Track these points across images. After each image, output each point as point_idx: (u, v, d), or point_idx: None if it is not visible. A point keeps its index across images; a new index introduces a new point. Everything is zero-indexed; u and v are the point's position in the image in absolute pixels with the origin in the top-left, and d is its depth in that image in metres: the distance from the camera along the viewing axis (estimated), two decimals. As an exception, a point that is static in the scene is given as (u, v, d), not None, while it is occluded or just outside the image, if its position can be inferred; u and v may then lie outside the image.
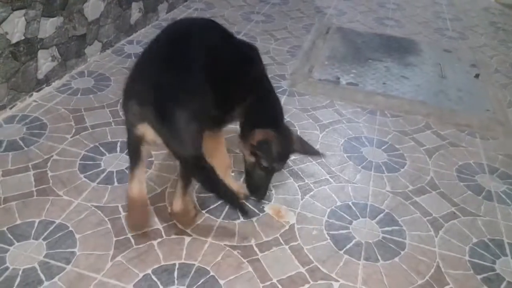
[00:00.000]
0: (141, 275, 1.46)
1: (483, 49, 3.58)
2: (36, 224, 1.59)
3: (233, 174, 1.90)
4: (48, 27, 2.24)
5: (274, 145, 1.63)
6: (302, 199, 1.85)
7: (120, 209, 1.69)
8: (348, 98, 2.65)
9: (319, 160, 2.06)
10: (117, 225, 1.63)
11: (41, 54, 2.25)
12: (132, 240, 1.57)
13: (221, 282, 1.47)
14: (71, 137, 2.03)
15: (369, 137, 2.32)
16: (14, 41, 2.06)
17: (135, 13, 3.01)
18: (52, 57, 2.34)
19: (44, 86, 2.32)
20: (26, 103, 2.21)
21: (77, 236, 1.57)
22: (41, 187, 1.75)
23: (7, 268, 1.42)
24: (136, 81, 1.46)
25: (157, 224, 1.65)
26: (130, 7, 2.93)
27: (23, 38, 2.10)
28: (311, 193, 1.89)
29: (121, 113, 2.01)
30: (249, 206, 1.78)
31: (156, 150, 1.96)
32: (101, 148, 1.99)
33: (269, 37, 3.30)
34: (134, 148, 1.53)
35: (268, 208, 1.78)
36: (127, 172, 1.73)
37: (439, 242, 1.72)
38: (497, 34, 3.97)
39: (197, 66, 1.46)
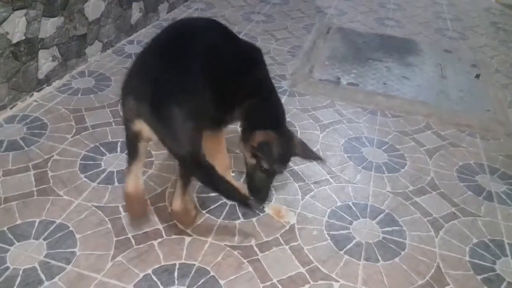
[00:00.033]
0: (141, 275, 1.46)
1: (484, 49, 3.58)
2: (36, 224, 1.59)
3: (233, 174, 1.90)
4: (48, 27, 2.25)
5: (274, 147, 1.62)
6: (302, 199, 1.85)
7: (121, 209, 1.69)
8: (348, 98, 2.65)
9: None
10: (117, 225, 1.63)
11: (42, 54, 2.25)
12: (133, 240, 1.58)
13: (221, 282, 1.47)
14: (71, 137, 2.03)
15: (370, 137, 2.32)
16: (14, 41, 2.06)
17: (136, 13, 3.01)
18: (53, 57, 2.34)
19: (44, 86, 2.32)
20: (26, 103, 2.21)
21: (77, 236, 1.57)
22: (41, 187, 1.75)
23: (7, 268, 1.43)
24: (134, 77, 1.46)
25: (158, 224, 1.65)
26: (130, 7, 2.93)
27: (23, 38, 2.11)
28: (312, 193, 1.89)
29: (120, 111, 2.01)
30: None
31: (156, 150, 1.97)
32: (101, 148, 1.99)
33: (269, 37, 3.30)
34: (131, 144, 1.53)
35: (268, 208, 1.78)
36: (127, 172, 1.73)
37: (439, 243, 1.72)
38: (498, 34, 3.97)
39: (197, 65, 1.46)
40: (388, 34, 3.65)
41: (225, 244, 1.61)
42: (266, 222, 1.72)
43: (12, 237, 1.53)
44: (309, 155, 1.80)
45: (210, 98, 1.47)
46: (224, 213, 1.73)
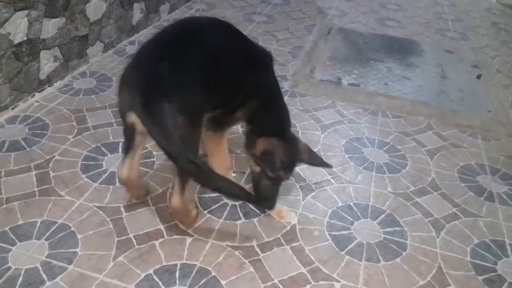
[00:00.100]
0: (142, 275, 1.46)
1: (485, 50, 3.58)
2: (38, 224, 1.59)
3: (234, 174, 1.90)
4: (50, 27, 2.25)
5: (277, 155, 1.59)
6: (303, 200, 1.86)
7: (122, 209, 1.70)
8: (349, 99, 2.65)
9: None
10: (119, 225, 1.63)
11: (44, 54, 2.25)
12: (134, 241, 1.58)
13: (223, 282, 1.47)
14: (73, 138, 2.04)
15: (371, 137, 2.32)
16: (16, 41, 2.06)
17: (137, 13, 3.01)
18: (54, 57, 2.34)
19: (46, 86, 2.32)
20: (28, 104, 2.21)
21: (79, 236, 1.57)
22: (43, 187, 1.75)
23: (9, 268, 1.43)
24: (131, 70, 1.47)
25: (159, 225, 1.65)
26: (132, 7, 2.93)
27: (25, 38, 2.11)
28: (313, 193, 1.90)
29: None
30: (251, 206, 1.78)
31: (157, 150, 1.97)
32: (103, 149, 1.99)
33: (270, 38, 3.30)
34: (127, 135, 1.54)
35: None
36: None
37: (440, 243, 1.72)
38: (499, 35, 3.97)
39: (194, 62, 1.45)
40: (389, 35, 3.65)
41: (226, 244, 1.61)
42: (267, 223, 1.73)
43: (14, 237, 1.53)
44: (315, 161, 1.78)
45: (206, 96, 1.46)
46: (225, 213, 1.74)
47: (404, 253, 1.66)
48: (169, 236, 1.61)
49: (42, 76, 2.29)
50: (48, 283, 1.40)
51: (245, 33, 1.73)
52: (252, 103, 1.63)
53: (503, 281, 1.61)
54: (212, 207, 1.75)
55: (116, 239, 1.58)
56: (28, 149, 1.93)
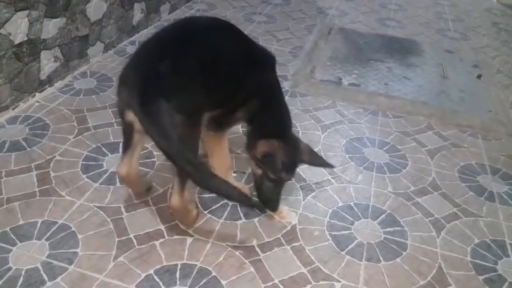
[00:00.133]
0: (143, 275, 1.46)
1: (485, 50, 3.58)
2: (38, 225, 1.59)
3: (235, 175, 1.90)
4: (51, 28, 2.25)
5: (278, 157, 1.59)
6: (304, 200, 1.86)
7: (123, 209, 1.70)
8: (350, 99, 2.66)
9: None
10: (119, 225, 1.63)
11: (44, 54, 2.26)
12: (134, 241, 1.58)
13: (223, 282, 1.47)
14: (73, 138, 2.04)
15: (371, 137, 2.32)
16: (17, 42, 2.07)
17: (137, 14, 3.02)
18: (55, 57, 2.34)
19: (46, 86, 2.33)
20: (28, 104, 2.22)
21: (79, 236, 1.57)
22: (43, 187, 1.75)
23: (10, 269, 1.43)
24: (130, 68, 1.47)
25: (159, 225, 1.65)
26: (132, 8, 2.94)
27: (26, 39, 2.11)
28: (313, 193, 1.90)
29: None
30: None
31: (157, 150, 1.97)
32: (103, 149, 1.99)
33: (271, 38, 3.30)
34: (126, 134, 1.55)
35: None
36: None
37: (440, 243, 1.72)
38: (499, 34, 3.97)
39: (193, 61, 1.45)
40: (390, 35, 3.65)
41: (226, 245, 1.61)
42: (267, 223, 1.73)
43: (14, 238, 1.54)
44: (317, 161, 1.77)
45: (206, 95, 1.46)
46: (226, 213, 1.74)
47: (404, 253, 1.66)
48: (169, 236, 1.61)
49: (43, 76, 2.29)
50: (48, 284, 1.40)
51: (245, 33, 1.73)
52: (253, 103, 1.63)
53: (503, 281, 1.61)
54: (213, 207, 1.75)
55: (117, 239, 1.58)
56: (28, 149, 1.93)
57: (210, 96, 1.49)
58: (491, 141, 2.42)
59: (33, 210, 1.65)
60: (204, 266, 1.52)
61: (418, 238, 1.73)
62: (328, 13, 3.95)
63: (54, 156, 1.91)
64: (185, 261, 1.53)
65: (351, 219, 1.79)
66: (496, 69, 3.27)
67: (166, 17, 3.39)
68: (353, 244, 1.68)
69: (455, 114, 2.62)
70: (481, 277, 1.61)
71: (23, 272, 1.42)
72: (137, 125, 1.43)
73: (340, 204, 1.86)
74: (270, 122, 1.67)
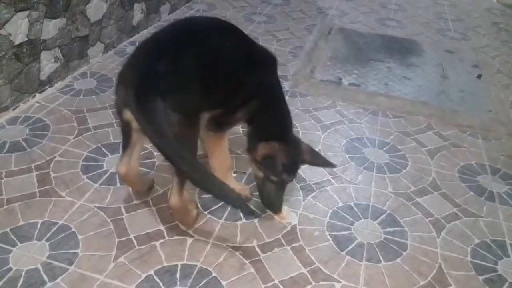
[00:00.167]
0: (143, 276, 1.46)
1: (485, 50, 3.58)
2: (39, 225, 1.60)
3: (235, 175, 1.90)
4: (51, 28, 2.25)
5: (279, 159, 1.59)
6: (304, 200, 1.86)
7: (123, 210, 1.70)
8: (350, 99, 2.66)
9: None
10: (119, 226, 1.63)
11: (44, 55, 2.26)
12: (135, 241, 1.58)
13: (223, 283, 1.47)
14: (73, 138, 2.04)
15: (371, 138, 2.32)
16: (17, 42, 2.07)
17: (137, 14, 3.02)
18: (55, 58, 2.35)
19: (47, 87, 2.33)
20: (29, 104, 2.22)
21: (79, 237, 1.57)
22: (43, 188, 1.75)
23: (10, 269, 1.43)
24: (128, 67, 1.48)
25: (160, 225, 1.66)
26: (132, 8, 2.94)
27: (26, 39, 2.11)
28: (313, 194, 1.90)
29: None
30: (251, 207, 1.78)
31: (157, 150, 1.97)
32: (103, 149, 2.00)
33: (271, 38, 3.30)
34: (124, 132, 1.55)
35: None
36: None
37: (441, 243, 1.73)
38: (499, 34, 3.97)
39: (194, 62, 1.45)
40: (390, 35, 3.65)
41: (227, 245, 1.61)
42: (267, 223, 1.73)
43: (14, 238, 1.54)
44: (319, 161, 1.77)
45: (204, 95, 1.46)
46: (226, 214, 1.74)
47: (404, 253, 1.66)
48: (169, 237, 1.61)
49: (43, 76, 2.29)
50: (49, 284, 1.40)
51: (245, 33, 1.73)
52: (253, 104, 1.62)
53: (503, 281, 1.61)
54: (213, 208, 1.75)
55: (117, 239, 1.58)
56: (28, 150, 1.93)
57: (209, 96, 1.49)
58: (491, 141, 2.42)
59: (33, 210, 1.65)
60: (204, 267, 1.52)
61: (418, 238, 1.73)
62: (328, 13, 3.95)
63: (54, 157, 1.92)
64: (185, 262, 1.53)
65: (351, 219, 1.79)
66: (496, 69, 3.27)
67: (166, 18, 3.39)
68: (353, 245, 1.68)
69: (455, 114, 2.62)
70: (481, 277, 1.61)
71: (23, 273, 1.43)
72: (135, 123, 1.43)
73: (340, 204, 1.86)
74: (271, 123, 1.66)
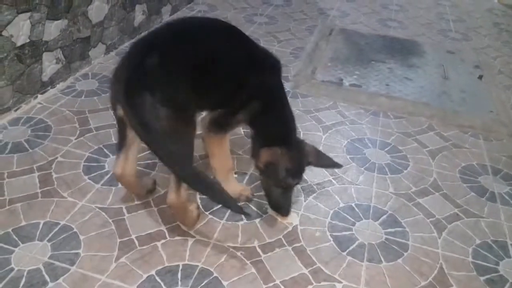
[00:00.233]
0: (145, 276, 1.47)
1: (487, 51, 3.58)
2: (40, 226, 1.60)
3: (236, 176, 1.91)
4: (52, 29, 2.26)
5: (282, 165, 1.59)
6: (305, 201, 1.86)
7: (124, 210, 1.70)
8: (351, 100, 2.66)
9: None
10: (121, 226, 1.64)
11: (46, 56, 2.26)
12: (136, 242, 1.58)
13: (225, 283, 1.47)
14: (75, 139, 2.04)
15: (372, 138, 2.33)
16: (19, 44, 2.07)
17: (139, 15, 3.02)
18: (57, 59, 2.35)
19: (48, 88, 2.33)
20: (31, 105, 2.22)
21: (81, 237, 1.58)
22: (45, 188, 1.76)
23: (12, 269, 1.44)
24: (121, 64, 1.48)
25: (161, 226, 1.66)
26: (134, 9, 2.94)
27: (28, 41, 2.12)
28: (314, 194, 1.90)
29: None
30: (252, 207, 1.79)
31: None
32: (105, 150, 2.00)
33: (272, 39, 3.31)
34: (119, 130, 1.56)
35: (270, 209, 1.78)
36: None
37: (442, 244, 1.72)
38: (501, 35, 3.96)
39: (187, 59, 1.45)
40: (391, 36, 3.65)
41: (228, 245, 1.61)
42: (269, 223, 1.73)
43: (16, 239, 1.54)
44: (324, 162, 1.76)
45: (198, 92, 1.45)
46: (227, 214, 1.74)
47: (405, 254, 1.66)
48: (171, 237, 1.62)
49: (45, 78, 2.30)
50: (50, 284, 1.41)
51: (246, 34, 1.73)
52: (253, 105, 1.61)
53: (505, 281, 1.61)
54: (214, 208, 1.76)
55: (118, 240, 1.58)
56: (30, 150, 1.94)
57: (204, 94, 1.49)
58: (492, 141, 2.42)
59: (35, 211, 1.66)
60: (206, 267, 1.52)
61: (419, 239, 1.73)
62: (329, 14, 3.96)
63: (56, 158, 1.92)
64: (186, 262, 1.53)
65: (352, 220, 1.79)
66: (497, 69, 3.26)
67: (168, 19, 3.39)
68: (354, 245, 1.68)
69: (456, 115, 2.62)
70: (482, 278, 1.61)
71: (25, 273, 1.43)
72: (126, 119, 1.44)
73: (341, 205, 1.86)
74: (273, 126, 1.65)
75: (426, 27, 3.94)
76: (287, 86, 2.65)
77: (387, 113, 2.56)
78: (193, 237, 1.63)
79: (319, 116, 2.45)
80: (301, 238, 1.68)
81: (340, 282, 1.53)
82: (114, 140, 2.06)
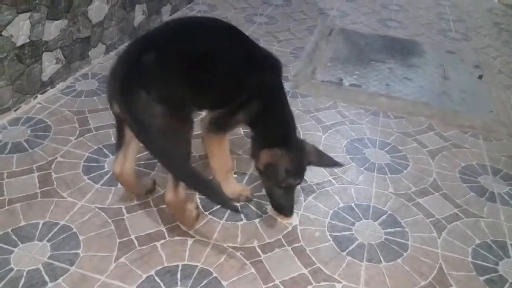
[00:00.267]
0: (144, 276, 1.47)
1: (487, 50, 3.57)
2: (40, 226, 1.60)
3: (236, 176, 1.91)
4: (52, 29, 2.26)
5: (282, 166, 1.59)
6: (304, 201, 1.86)
7: (124, 210, 1.70)
8: (351, 100, 2.66)
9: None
10: (120, 226, 1.64)
11: (46, 56, 2.26)
12: (136, 242, 1.58)
13: (224, 283, 1.47)
14: (75, 139, 2.04)
15: (372, 138, 2.33)
16: (19, 44, 2.07)
17: (139, 15, 3.02)
18: (57, 59, 2.35)
19: (48, 88, 2.33)
20: (30, 105, 2.22)
21: (81, 237, 1.58)
22: (45, 188, 1.76)
23: (11, 270, 1.44)
24: (118, 61, 1.49)
25: (160, 226, 1.66)
26: (133, 9, 2.94)
27: (28, 41, 2.12)
28: (314, 194, 1.90)
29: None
30: (252, 207, 1.79)
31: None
32: (104, 150, 2.00)
33: (272, 39, 3.31)
34: (117, 128, 1.56)
35: (270, 209, 1.78)
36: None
37: (441, 244, 1.72)
38: (501, 35, 3.96)
39: (184, 57, 1.45)
40: (391, 36, 3.65)
41: (227, 246, 1.61)
42: (268, 224, 1.73)
43: (16, 239, 1.54)
44: (325, 162, 1.76)
45: (191, 89, 1.45)
46: (227, 214, 1.74)
47: (405, 254, 1.66)
48: (170, 237, 1.62)
49: (45, 78, 2.30)
50: (50, 285, 1.41)
51: (246, 34, 1.73)
52: (253, 105, 1.61)
53: (504, 281, 1.61)
54: (214, 208, 1.76)
55: (118, 240, 1.58)
56: (30, 150, 1.94)
57: (203, 93, 1.48)
58: (492, 141, 2.42)
59: (35, 211, 1.66)
60: (205, 267, 1.52)
61: (419, 239, 1.73)
62: (329, 14, 3.96)
63: (56, 158, 1.92)
64: (186, 262, 1.53)
65: (352, 220, 1.79)
66: (497, 69, 3.26)
67: (168, 19, 3.39)
68: (354, 245, 1.68)
69: (456, 115, 2.62)
70: (482, 278, 1.61)
71: (24, 273, 1.43)
72: (123, 116, 1.44)
73: (341, 205, 1.86)
74: (273, 127, 1.65)
75: (426, 27, 3.94)
76: (287, 86, 2.66)
77: (387, 113, 2.56)
78: (193, 237, 1.63)
79: (319, 116, 2.45)
80: (300, 238, 1.68)
81: (340, 282, 1.53)
82: (113, 140, 2.05)
